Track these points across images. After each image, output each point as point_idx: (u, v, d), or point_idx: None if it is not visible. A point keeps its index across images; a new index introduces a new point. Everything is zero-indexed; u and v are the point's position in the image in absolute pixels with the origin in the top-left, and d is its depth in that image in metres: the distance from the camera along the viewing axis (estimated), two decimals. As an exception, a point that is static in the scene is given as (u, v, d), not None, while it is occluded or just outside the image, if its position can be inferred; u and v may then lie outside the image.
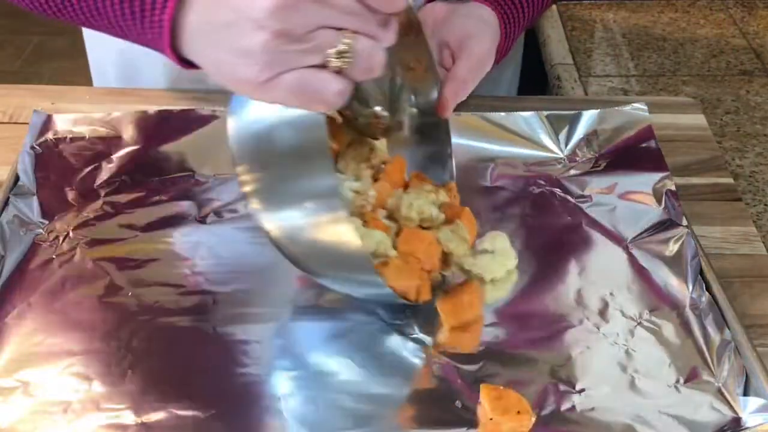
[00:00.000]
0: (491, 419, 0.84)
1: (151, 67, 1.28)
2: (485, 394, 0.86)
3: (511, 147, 1.19)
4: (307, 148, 0.77)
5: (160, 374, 0.90)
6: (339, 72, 0.70)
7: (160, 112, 1.18)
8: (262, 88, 0.71)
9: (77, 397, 0.87)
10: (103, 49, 1.36)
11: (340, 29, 0.69)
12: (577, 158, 1.18)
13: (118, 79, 1.35)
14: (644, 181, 1.12)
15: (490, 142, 1.19)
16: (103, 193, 1.11)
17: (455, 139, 1.17)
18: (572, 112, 1.21)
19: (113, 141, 1.16)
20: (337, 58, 0.69)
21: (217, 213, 1.09)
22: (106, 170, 1.13)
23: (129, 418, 0.85)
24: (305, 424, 0.86)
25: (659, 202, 1.09)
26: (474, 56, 1.03)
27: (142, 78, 1.31)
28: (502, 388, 0.87)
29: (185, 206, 1.10)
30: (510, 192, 1.13)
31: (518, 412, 0.84)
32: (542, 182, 1.16)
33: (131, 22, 0.79)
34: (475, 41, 1.04)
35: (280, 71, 0.69)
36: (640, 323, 0.97)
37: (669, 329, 0.96)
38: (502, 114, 1.20)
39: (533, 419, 0.85)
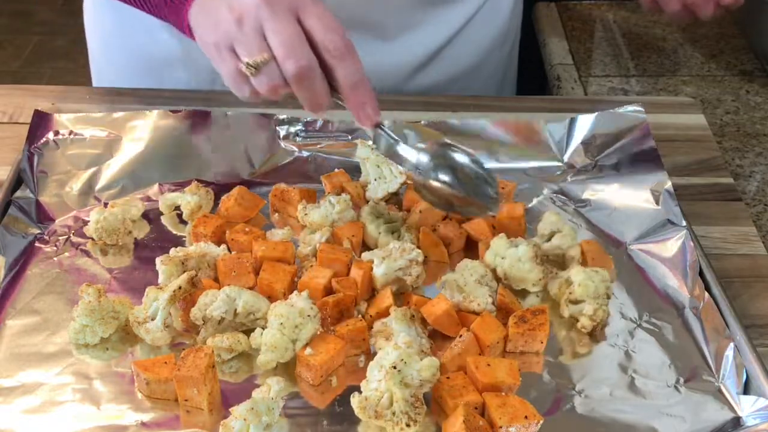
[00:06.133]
0: (501, 428, 0.84)
1: (173, 74, 1.31)
2: (489, 402, 0.86)
3: (510, 154, 1.19)
4: None
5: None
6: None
7: (160, 112, 1.18)
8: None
9: (77, 397, 0.87)
10: (124, 54, 1.36)
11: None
12: (576, 163, 1.18)
13: (129, 82, 1.34)
14: (642, 183, 1.12)
15: (489, 150, 1.19)
16: (103, 195, 1.11)
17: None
18: (570, 115, 1.20)
19: (113, 141, 1.16)
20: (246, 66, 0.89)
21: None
22: (106, 172, 1.13)
23: (129, 418, 0.85)
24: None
25: (658, 203, 1.09)
26: None
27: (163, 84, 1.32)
28: (503, 394, 0.87)
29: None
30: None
31: (525, 417, 0.84)
32: (543, 188, 1.16)
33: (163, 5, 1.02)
34: None
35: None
36: (639, 325, 0.97)
37: (669, 330, 0.96)
38: (502, 119, 1.20)
39: (541, 422, 0.84)
